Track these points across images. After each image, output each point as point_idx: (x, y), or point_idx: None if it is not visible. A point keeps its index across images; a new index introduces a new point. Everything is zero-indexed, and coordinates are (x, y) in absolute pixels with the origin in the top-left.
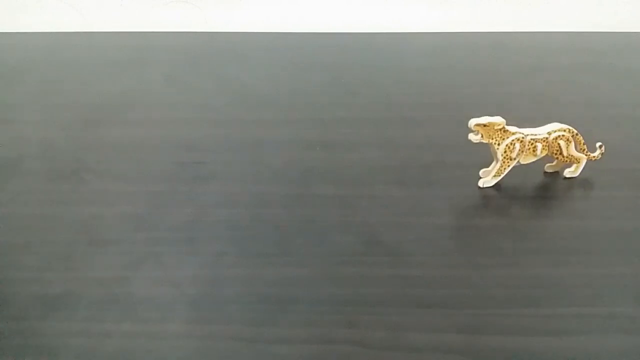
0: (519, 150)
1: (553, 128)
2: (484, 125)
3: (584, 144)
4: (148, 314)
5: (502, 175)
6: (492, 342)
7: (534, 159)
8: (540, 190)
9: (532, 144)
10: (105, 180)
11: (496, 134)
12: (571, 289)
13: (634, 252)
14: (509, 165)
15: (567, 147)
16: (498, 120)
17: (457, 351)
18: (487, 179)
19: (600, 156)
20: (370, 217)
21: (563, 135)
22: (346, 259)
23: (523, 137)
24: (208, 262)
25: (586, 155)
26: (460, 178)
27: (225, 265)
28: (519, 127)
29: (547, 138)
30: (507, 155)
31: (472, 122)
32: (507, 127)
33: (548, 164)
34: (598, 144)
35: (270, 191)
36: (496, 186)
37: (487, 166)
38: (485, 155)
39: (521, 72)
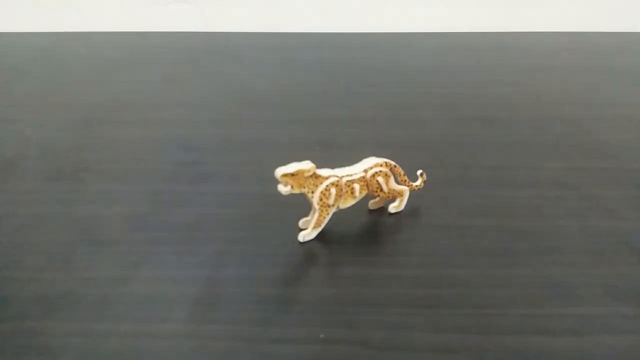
0: (336, 195)
1: (369, 165)
2: (292, 175)
3: (404, 175)
4: (148, 314)
5: (323, 225)
6: (492, 342)
7: (354, 201)
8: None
9: (349, 185)
10: (105, 180)
11: (307, 181)
12: (571, 289)
13: (633, 252)
14: (328, 214)
15: (386, 183)
16: (306, 166)
17: (457, 351)
18: (307, 231)
19: (422, 184)
20: (370, 217)
21: (381, 171)
22: (346, 259)
23: (338, 181)
24: (208, 262)
25: (408, 186)
26: (459, 178)
27: (225, 265)
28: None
29: (364, 177)
30: (323, 203)
31: (278, 172)
32: (319, 172)
33: (371, 201)
34: (419, 172)
35: (269, 191)
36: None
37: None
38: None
39: (521, 72)
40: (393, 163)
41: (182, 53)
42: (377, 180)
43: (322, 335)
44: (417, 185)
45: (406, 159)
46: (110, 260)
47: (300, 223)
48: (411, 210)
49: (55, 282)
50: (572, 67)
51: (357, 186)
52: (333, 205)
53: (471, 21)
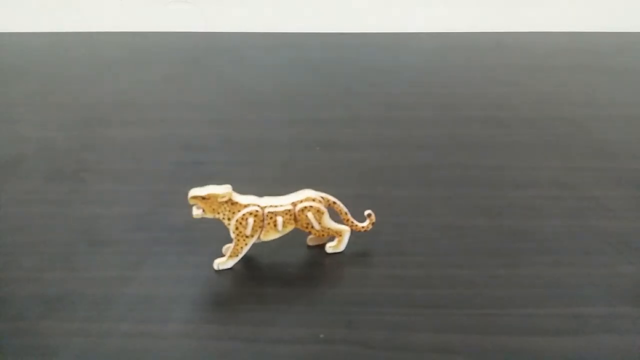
0: (255, 225)
1: (300, 198)
2: (203, 198)
3: (346, 214)
4: (148, 314)
5: (240, 255)
6: (492, 342)
7: (278, 235)
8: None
9: (271, 217)
10: (105, 180)
11: (222, 207)
12: (571, 289)
13: (634, 252)
14: (245, 244)
15: (319, 220)
16: (222, 191)
17: (457, 351)
18: (223, 259)
19: (370, 226)
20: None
21: (311, 207)
22: (347, 258)
23: (258, 210)
24: (208, 262)
25: (351, 226)
26: (458, 178)
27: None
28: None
29: (291, 210)
30: (240, 232)
31: (190, 193)
32: (237, 199)
33: (310, 236)
34: (367, 212)
35: (270, 191)
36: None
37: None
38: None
39: (521, 72)
40: (332, 199)
41: (182, 53)
42: (306, 216)
43: (322, 335)
44: (363, 227)
45: (406, 159)
46: (110, 260)
47: (224, 249)
48: (411, 210)
49: (55, 282)
50: (572, 67)
51: (280, 219)
52: (251, 235)
53: (471, 21)
